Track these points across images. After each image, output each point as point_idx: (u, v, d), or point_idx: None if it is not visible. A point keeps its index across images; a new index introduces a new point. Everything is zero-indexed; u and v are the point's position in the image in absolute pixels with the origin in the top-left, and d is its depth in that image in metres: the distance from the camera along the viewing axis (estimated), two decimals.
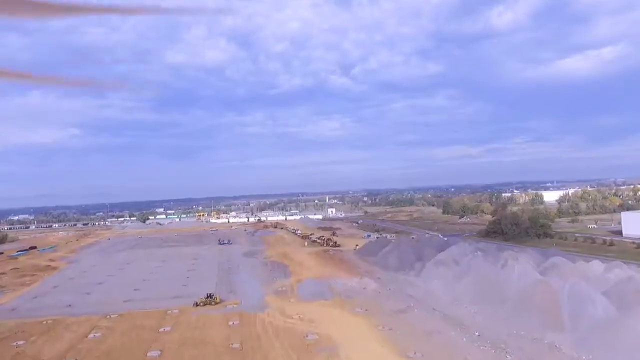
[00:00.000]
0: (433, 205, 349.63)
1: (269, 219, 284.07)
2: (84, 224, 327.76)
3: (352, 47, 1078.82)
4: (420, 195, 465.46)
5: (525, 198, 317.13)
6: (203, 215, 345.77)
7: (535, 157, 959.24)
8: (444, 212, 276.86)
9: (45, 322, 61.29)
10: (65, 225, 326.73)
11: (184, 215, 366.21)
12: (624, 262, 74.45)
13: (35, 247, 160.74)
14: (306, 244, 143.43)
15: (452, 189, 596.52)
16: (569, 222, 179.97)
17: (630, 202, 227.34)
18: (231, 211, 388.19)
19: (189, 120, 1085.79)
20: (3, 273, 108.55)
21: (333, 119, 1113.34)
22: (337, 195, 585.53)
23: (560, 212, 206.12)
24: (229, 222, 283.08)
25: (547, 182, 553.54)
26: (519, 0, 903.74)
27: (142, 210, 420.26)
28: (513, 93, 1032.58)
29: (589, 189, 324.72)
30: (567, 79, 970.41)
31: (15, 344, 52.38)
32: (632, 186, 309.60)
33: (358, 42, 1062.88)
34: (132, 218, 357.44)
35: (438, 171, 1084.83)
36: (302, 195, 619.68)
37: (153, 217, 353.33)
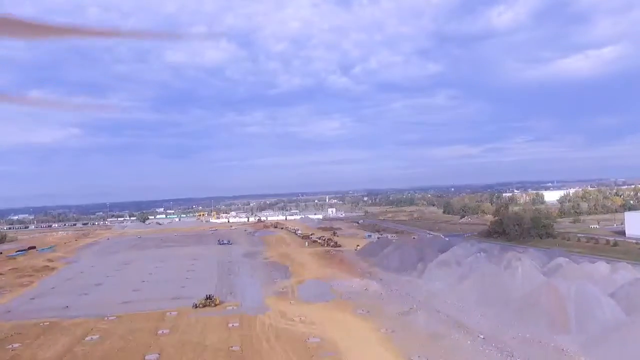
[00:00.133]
0: (433, 205, 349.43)
1: (269, 218, 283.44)
2: (83, 224, 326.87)
3: (352, 47, 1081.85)
4: (421, 195, 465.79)
5: (525, 198, 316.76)
6: (203, 215, 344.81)
7: (535, 157, 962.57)
8: (444, 212, 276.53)
9: (41, 324, 60.37)
10: (64, 225, 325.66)
11: (184, 215, 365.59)
12: (630, 264, 73.56)
13: (34, 247, 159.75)
14: (306, 244, 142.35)
15: (452, 189, 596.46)
16: (570, 222, 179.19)
17: (631, 202, 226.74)
18: (231, 211, 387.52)
19: (189, 120, 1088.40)
20: (1, 274, 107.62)
21: (333, 119, 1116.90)
22: (338, 195, 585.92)
23: (562, 212, 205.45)
24: (228, 222, 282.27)
25: (547, 182, 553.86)
26: (519, 0, 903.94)
27: (142, 210, 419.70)
28: (513, 93, 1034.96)
29: (589, 188, 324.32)
30: (567, 78, 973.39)
31: (10, 346, 51.45)
32: (633, 186, 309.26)
33: (358, 42, 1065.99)
34: (131, 218, 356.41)
35: (438, 171, 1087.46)
36: (302, 195, 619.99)
37: (153, 217, 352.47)
